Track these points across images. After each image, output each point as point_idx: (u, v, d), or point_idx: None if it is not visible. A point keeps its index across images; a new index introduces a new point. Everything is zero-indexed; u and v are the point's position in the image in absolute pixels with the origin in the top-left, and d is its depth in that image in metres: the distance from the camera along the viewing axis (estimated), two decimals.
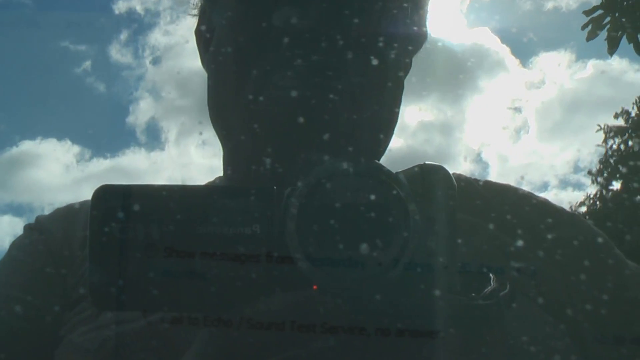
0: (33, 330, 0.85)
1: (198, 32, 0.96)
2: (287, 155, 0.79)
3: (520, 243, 0.72)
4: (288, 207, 0.63)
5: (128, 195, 0.64)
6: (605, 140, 15.21)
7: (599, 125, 15.26)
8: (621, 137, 15.00)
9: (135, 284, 0.64)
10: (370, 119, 0.81)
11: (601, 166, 15.10)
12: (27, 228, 0.96)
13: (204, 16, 0.95)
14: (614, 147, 15.09)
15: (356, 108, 0.80)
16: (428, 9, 0.90)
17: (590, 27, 6.14)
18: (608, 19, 6.09)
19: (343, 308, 0.61)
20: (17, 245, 0.94)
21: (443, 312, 0.63)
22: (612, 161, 14.88)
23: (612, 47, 6.14)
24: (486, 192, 0.84)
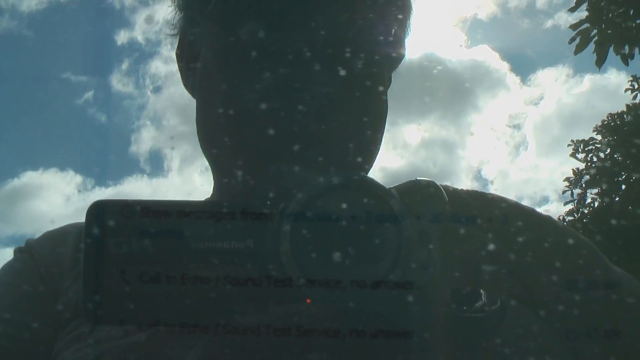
0: (24, 351, 0.85)
1: (179, 54, 0.97)
2: (258, 167, 0.80)
3: (491, 247, 0.73)
4: (282, 222, 0.62)
5: (123, 210, 0.64)
6: (575, 154, 15.56)
7: (572, 141, 15.66)
8: (589, 149, 15.37)
9: (131, 298, 0.64)
10: (339, 129, 0.81)
11: (575, 177, 15.38)
12: (17, 251, 0.96)
13: (184, 37, 0.96)
14: (587, 159, 15.39)
15: (324, 118, 0.80)
16: (405, 23, 0.91)
17: (577, 40, 6.16)
18: (595, 31, 6.10)
19: (330, 318, 0.62)
20: (7, 268, 0.94)
21: (426, 317, 0.64)
22: (589, 173, 15.17)
23: (600, 60, 6.16)
24: (456, 197, 0.84)
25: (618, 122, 14.54)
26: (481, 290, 0.70)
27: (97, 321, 0.65)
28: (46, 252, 0.93)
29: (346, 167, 0.80)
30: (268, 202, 0.65)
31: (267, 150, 0.80)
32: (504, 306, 0.69)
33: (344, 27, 0.80)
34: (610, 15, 6.13)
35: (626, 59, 6.15)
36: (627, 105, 14.18)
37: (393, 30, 0.87)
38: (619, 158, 14.62)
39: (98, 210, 0.64)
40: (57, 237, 0.95)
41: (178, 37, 0.96)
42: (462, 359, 0.67)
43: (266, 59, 0.80)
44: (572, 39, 6.20)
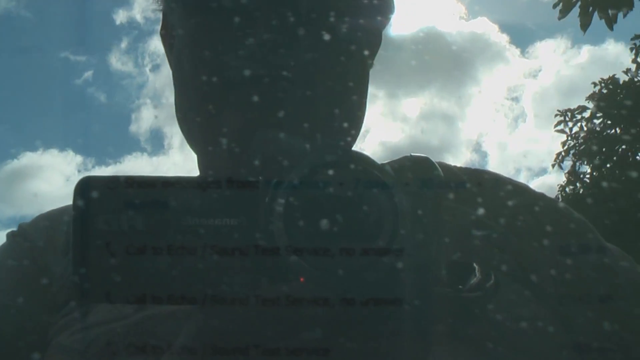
0: (19, 334, 0.85)
1: (163, 34, 0.96)
2: (243, 135, 0.78)
3: (481, 211, 0.72)
4: (274, 198, 0.62)
5: (111, 187, 0.63)
6: (564, 123, 15.08)
7: (558, 111, 15.15)
8: (577, 118, 15.06)
9: (119, 276, 0.63)
10: (325, 94, 0.80)
11: (564, 150, 15.11)
12: (10, 235, 0.96)
13: (165, 18, 0.95)
14: (575, 129, 15.06)
15: (309, 84, 0.79)
16: None
17: (561, 5, 6.10)
18: None
19: (319, 287, 0.61)
20: (0, 252, 0.94)
21: (417, 285, 0.63)
22: (578, 143, 14.90)
23: (584, 24, 6.11)
24: (450, 173, 0.83)
25: (610, 87, 14.33)
26: (475, 265, 0.69)
27: (84, 296, 0.64)
28: (40, 235, 0.93)
29: (332, 133, 0.79)
30: (260, 178, 0.64)
31: (251, 118, 0.79)
32: (497, 281, 0.68)
33: None
34: None
35: (610, 23, 6.11)
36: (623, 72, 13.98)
37: None
38: (608, 122, 14.43)
39: (83, 186, 0.63)
40: (51, 220, 0.95)
41: (161, 17, 0.95)
42: (458, 336, 0.67)
43: (249, 25, 0.79)
44: (556, 5, 6.15)
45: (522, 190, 0.80)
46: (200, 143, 0.88)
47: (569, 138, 14.88)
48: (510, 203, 0.76)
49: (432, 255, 0.64)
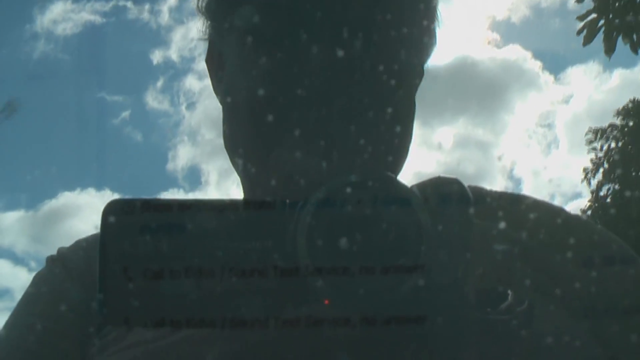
0: (57, 358, 0.86)
1: (208, 61, 0.96)
2: (258, 155, 0.79)
3: (502, 225, 0.71)
4: (299, 221, 0.61)
5: (139, 210, 0.63)
6: (595, 142, 15.08)
7: (589, 128, 15.22)
8: (607, 137, 14.95)
9: (137, 300, 0.62)
10: (341, 112, 0.78)
11: (593, 167, 15.02)
12: (50, 260, 0.96)
13: (212, 46, 0.95)
14: (605, 147, 15.03)
15: (324, 102, 0.78)
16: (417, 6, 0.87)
17: (585, 31, 6.13)
18: (602, 22, 6.08)
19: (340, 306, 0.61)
20: (40, 276, 0.95)
21: (440, 303, 0.62)
22: (605, 163, 14.79)
23: (609, 50, 6.12)
24: (481, 196, 0.81)
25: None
26: (508, 291, 0.67)
27: (103, 320, 0.64)
28: (78, 259, 0.94)
29: (349, 151, 0.78)
30: (287, 201, 0.63)
31: (266, 139, 0.78)
32: (531, 307, 0.67)
33: (341, 6, 0.79)
34: (617, 4, 6.10)
35: (635, 48, 6.12)
36: None
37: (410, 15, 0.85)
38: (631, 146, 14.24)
39: (107, 210, 0.63)
40: (89, 246, 0.96)
41: (207, 45, 0.96)
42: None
43: (262, 45, 0.79)
44: (580, 31, 6.18)
45: (542, 204, 0.79)
46: (246, 172, 0.86)
47: (597, 156, 14.76)
48: (531, 216, 0.75)
49: (458, 276, 0.62)
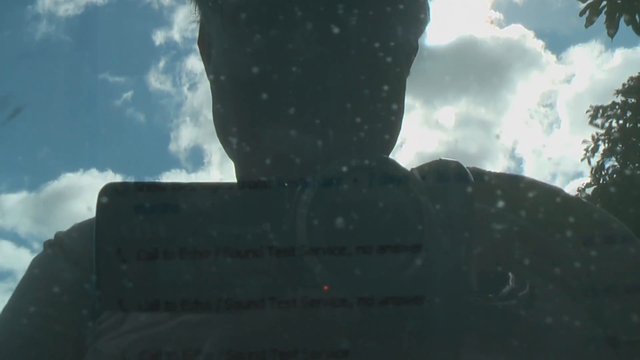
0: (56, 343, 0.85)
1: (200, 43, 0.95)
2: (252, 134, 0.78)
3: (501, 205, 0.70)
4: (298, 205, 0.60)
5: (134, 192, 0.62)
6: (592, 120, 15.01)
7: (590, 106, 15.12)
8: (609, 115, 14.93)
9: (141, 285, 0.62)
10: (336, 89, 0.76)
11: (594, 144, 14.98)
12: (47, 244, 0.95)
13: (203, 29, 0.94)
14: (606, 125, 14.93)
15: (319, 79, 0.76)
16: None
17: (587, 12, 6.09)
18: (604, 2, 6.04)
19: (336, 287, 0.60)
20: (38, 261, 0.94)
21: (437, 283, 0.61)
22: (606, 141, 14.75)
23: (612, 29, 6.09)
24: (482, 178, 0.81)
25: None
26: (509, 274, 0.67)
27: (98, 302, 0.63)
28: (74, 242, 0.94)
29: (345, 129, 0.77)
30: (284, 182, 0.63)
31: (260, 116, 0.77)
32: (533, 290, 0.66)
33: None
34: None
35: (637, 28, 6.08)
36: None
37: None
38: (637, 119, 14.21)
39: (100, 193, 0.62)
40: (87, 230, 0.94)
41: (198, 27, 0.95)
42: (490, 348, 0.65)
43: (256, 22, 0.78)
44: (583, 12, 6.14)
45: (540, 185, 0.78)
46: (240, 152, 0.85)
47: (599, 135, 14.77)
48: (530, 196, 0.74)
49: (461, 258, 0.62)
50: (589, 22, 6.10)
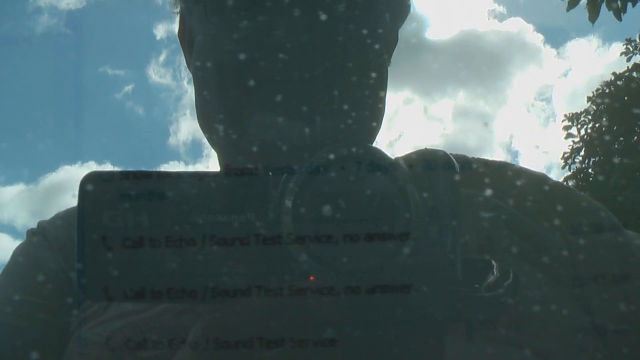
0: (41, 331, 0.85)
1: (181, 35, 0.94)
2: (239, 121, 0.77)
3: (488, 192, 0.70)
4: (284, 194, 0.60)
5: (117, 180, 0.61)
6: (567, 131, 15.14)
7: (565, 115, 15.29)
8: (581, 122, 15.05)
9: (125, 273, 0.61)
10: (323, 76, 0.76)
11: (570, 153, 15.11)
12: (30, 233, 0.95)
13: (183, 20, 0.93)
14: (582, 133, 15.06)
15: (307, 66, 0.76)
16: None
17: (568, 2, 6.10)
18: None
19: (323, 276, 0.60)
20: (21, 249, 0.94)
21: (425, 272, 0.61)
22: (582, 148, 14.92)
23: (593, 16, 6.10)
24: (468, 165, 0.81)
25: (612, 88, 14.31)
26: (493, 262, 0.67)
27: (82, 290, 0.62)
28: (57, 230, 0.93)
29: (331, 116, 0.76)
30: (270, 174, 0.62)
31: (247, 103, 0.76)
32: (517, 279, 0.66)
33: None
34: None
35: (619, 13, 6.10)
36: (614, 73, 14.00)
37: None
38: (606, 123, 14.37)
39: (85, 181, 0.62)
40: (68, 215, 0.94)
41: (178, 19, 0.94)
42: (476, 339, 0.65)
43: (243, 7, 0.77)
44: (570, 6, 6.14)
45: (526, 171, 0.78)
46: (222, 141, 0.85)
47: (575, 142, 14.91)
48: (517, 183, 0.74)
49: (448, 246, 0.62)
50: (571, 6, 6.10)
